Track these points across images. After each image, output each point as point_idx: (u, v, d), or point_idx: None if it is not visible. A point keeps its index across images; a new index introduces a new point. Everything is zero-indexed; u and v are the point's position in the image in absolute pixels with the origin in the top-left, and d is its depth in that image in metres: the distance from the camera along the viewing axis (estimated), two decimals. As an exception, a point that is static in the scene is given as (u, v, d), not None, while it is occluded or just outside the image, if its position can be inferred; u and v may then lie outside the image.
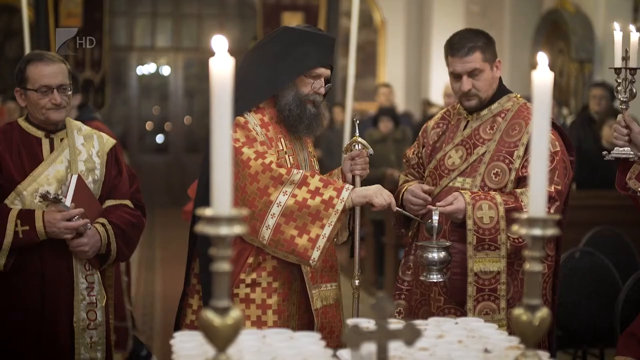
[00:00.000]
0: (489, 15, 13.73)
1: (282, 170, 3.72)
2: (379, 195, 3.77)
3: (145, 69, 17.79)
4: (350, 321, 2.99)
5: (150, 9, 17.50)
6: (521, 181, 3.98)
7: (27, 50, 8.41)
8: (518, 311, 2.37)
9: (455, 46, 4.10)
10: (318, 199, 3.70)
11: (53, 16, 12.43)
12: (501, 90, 4.18)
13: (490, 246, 3.89)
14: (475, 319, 3.21)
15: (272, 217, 3.70)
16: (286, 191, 3.70)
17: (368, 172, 4.06)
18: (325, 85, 4.00)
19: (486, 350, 2.75)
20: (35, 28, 10.56)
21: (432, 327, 3.04)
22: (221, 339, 2.13)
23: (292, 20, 14.16)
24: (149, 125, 17.99)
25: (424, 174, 4.31)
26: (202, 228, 2.11)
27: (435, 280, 3.87)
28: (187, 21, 17.59)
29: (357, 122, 4.18)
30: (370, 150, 4.08)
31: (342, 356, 2.73)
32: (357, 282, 4.10)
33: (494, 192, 3.96)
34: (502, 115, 4.12)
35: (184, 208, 6.66)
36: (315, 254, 3.68)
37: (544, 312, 2.36)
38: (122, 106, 17.68)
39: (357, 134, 4.10)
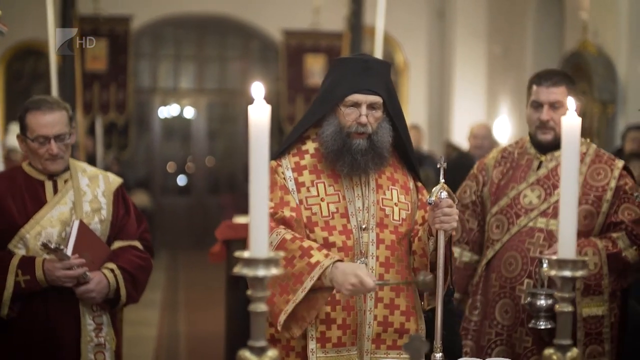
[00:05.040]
0: (511, 57, 13.79)
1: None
2: (346, 283, 3.30)
3: (169, 110, 17.92)
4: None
5: (173, 51, 17.67)
6: (613, 226, 4.12)
7: (55, 93, 8.49)
8: (548, 351, 2.39)
9: (544, 77, 4.21)
10: (289, 269, 3.39)
11: (79, 59, 12.57)
12: None
13: (595, 291, 4.03)
14: (508, 360, 3.23)
15: None
16: None
17: (454, 226, 3.46)
18: (377, 111, 3.61)
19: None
20: (62, 71, 10.66)
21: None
22: (257, 379, 2.17)
23: (315, 62, 14.28)
24: (171, 167, 18.09)
25: (480, 210, 4.37)
26: (239, 270, 2.16)
27: (543, 327, 3.94)
28: (210, 63, 17.73)
29: (443, 167, 3.54)
30: (443, 199, 3.46)
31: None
32: (438, 356, 3.43)
33: (594, 238, 4.09)
34: (580, 158, 4.18)
35: (211, 250, 6.66)
36: (282, 320, 3.40)
37: (574, 353, 2.38)
38: (145, 148, 17.79)
39: (442, 181, 3.49)
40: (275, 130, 14.14)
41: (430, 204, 3.45)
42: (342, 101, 3.59)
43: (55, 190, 4.20)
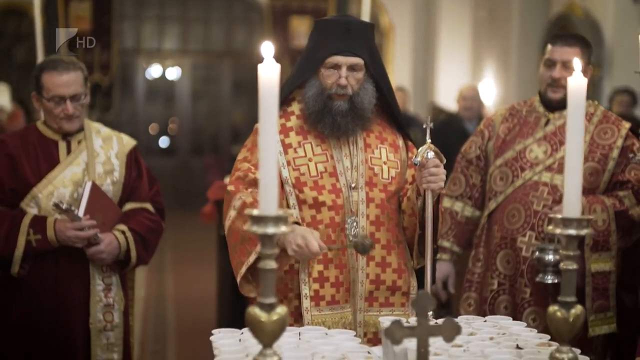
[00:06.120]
0: (497, 20, 13.78)
1: (231, 188, 3.51)
2: (292, 243, 3.31)
3: (153, 71, 17.86)
4: (384, 319, 3.03)
5: (157, 12, 17.58)
6: (619, 184, 4.20)
7: (40, 54, 8.42)
8: (553, 308, 2.43)
9: (560, 36, 4.41)
10: (247, 233, 3.32)
11: (63, 20, 12.49)
12: None
13: (603, 247, 4.12)
14: (503, 317, 3.26)
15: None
16: (230, 215, 3.47)
17: (441, 186, 3.45)
18: (358, 72, 3.58)
19: (518, 347, 2.80)
20: (46, 32, 10.59)
21: (462, 324, 3.08)
22: (267, 335, 2.19)
23: (300, 24, 14.24)
24: (154, 128, 18.04)
25: (484, 165, 4.46)
26: (249, 227, 2.17)
27: (550, 282, 4.05)
28: (194, 24, 17.66)
29: (430, 127, 3.52)
30: (430, 159, 3.42)
31: (375, 353, 2.80)
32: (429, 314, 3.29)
33: (602, 196, 4.17)
34: (587, 117, 4.25)
35: (202, 210, 6.67)
36: (238, 281, 3.42)
37: (578, 309, 2.42)
38: (129, 109, 17.74)
39: (429, 140, 3.46)
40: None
41: (416, 164, 3.44)
42: (322, 63, 3.59)
43: (69, 151, 4.21)
